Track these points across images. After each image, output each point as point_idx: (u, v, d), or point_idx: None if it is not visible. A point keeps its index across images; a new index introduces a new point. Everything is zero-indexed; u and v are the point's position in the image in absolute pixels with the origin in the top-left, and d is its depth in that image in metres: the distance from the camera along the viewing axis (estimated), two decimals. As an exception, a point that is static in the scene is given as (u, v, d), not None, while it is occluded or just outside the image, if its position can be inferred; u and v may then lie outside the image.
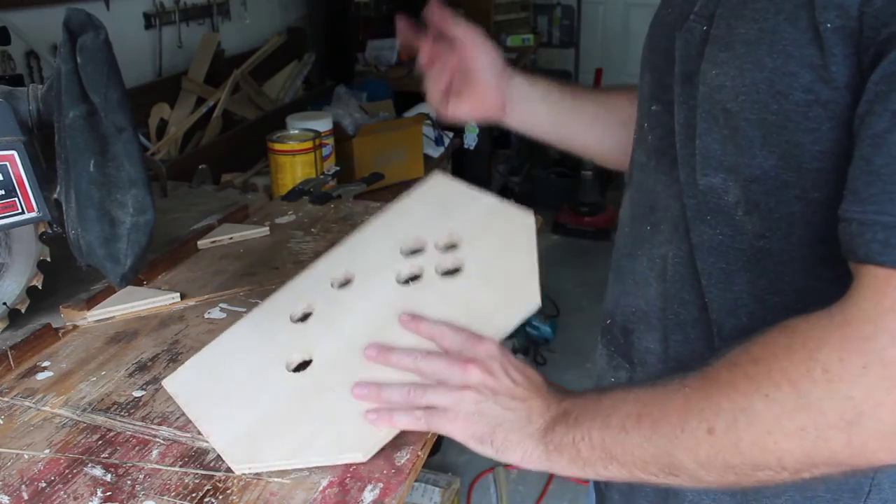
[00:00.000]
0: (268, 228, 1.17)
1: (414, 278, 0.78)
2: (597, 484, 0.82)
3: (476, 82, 0.82)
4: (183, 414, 0.73)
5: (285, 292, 0.82)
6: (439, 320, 0.69)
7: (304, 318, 0.78)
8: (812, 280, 0.57)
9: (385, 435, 0.65)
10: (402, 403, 0.65)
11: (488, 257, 0.78)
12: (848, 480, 0.59)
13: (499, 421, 0.61)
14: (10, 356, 0.81)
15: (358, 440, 0.65)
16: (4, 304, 0.86)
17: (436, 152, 2.42)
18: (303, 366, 0.73)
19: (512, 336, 2.74)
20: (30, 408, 0.74)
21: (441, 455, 2.12)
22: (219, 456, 0.67)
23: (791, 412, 0.46)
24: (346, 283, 0.81)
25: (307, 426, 0.67)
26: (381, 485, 0.63)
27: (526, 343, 2.78)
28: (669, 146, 0.65)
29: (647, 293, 0.70)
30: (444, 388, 0.64)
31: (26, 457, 0.67)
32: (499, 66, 0.83)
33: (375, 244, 0.83)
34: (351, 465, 0.66)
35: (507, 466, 2.08)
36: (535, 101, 0.86)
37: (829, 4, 0.49)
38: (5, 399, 0.76)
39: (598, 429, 0.56)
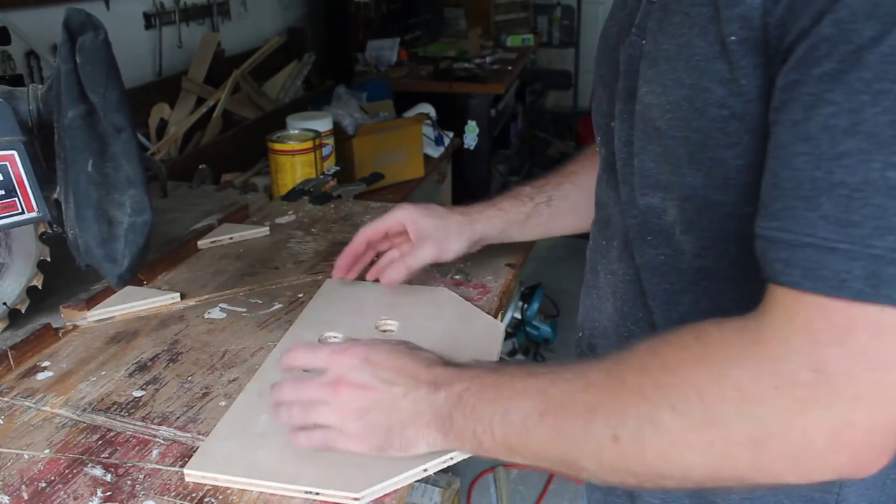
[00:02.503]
0: (268, 228, 1.17)
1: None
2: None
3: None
4: (183, 414, 0.73)
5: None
6: (300, 345, 0.68)
7: None
8: (754, 299, 0.56)
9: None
10: (295, 424, 0.64)
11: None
12: (813, 496, 0.58)
13: (389, 424, 0.60)
14: (10, 356, 0.81)
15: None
16: (4, 304, 0.86)
17: (436, 152, 2.42)
18: None
19: (512, 336, 2.74)
20: (30, 408, 0.74)
21: (441, 455, 2.12)
22: (218, 456, 0.67)
23: (699, 427, 0.45)
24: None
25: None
26: (380, 484, 0.63)
27: (526, 343, 2.78)
28: (614, 163, 0.65)
29: (606, 308, 0.70)
30: (326, 407, 0.62)
31: (26, 457, 0.67)
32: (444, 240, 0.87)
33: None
34: (351, 464, 0.65)
35: (506, 466, 2.08)
36: (515, 230, 0.90)
37: (732, 17, 0.48)
38: (5, 399, 0.76)
39: (499, 424, 0.54)
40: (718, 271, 0.56)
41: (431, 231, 0.86)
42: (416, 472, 0.62)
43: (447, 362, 0.62)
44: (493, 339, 0.83)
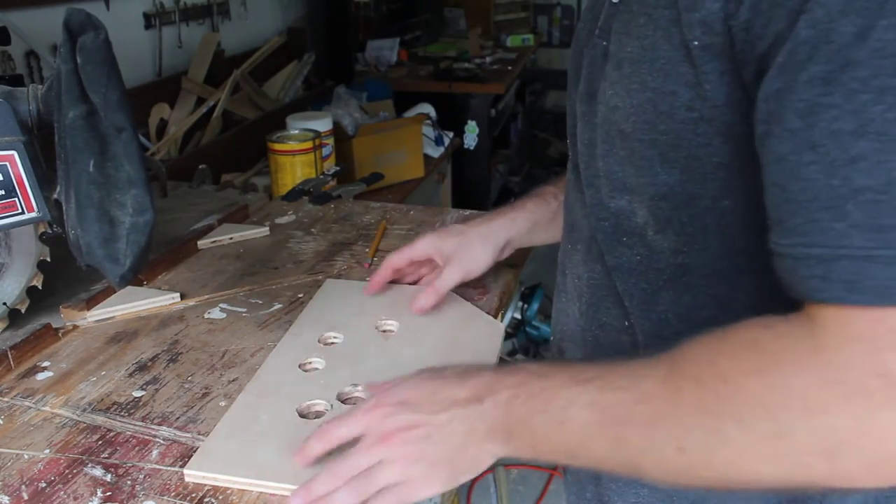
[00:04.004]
0: (268, 228, 1.17)
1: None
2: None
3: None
4: (183, 414, 0.73)
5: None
6: (326, 423, 0.63)
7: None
8: (735, 292, 0.55)
9: None
10: (356, 500, 0.58)
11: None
12: (796, 496, 0.57)
13: (449, 454, 0.57)
14: (10, 356, 0.81)
15: None
16: (4, 304, 0.86)
17: (436, 152, 2.42)
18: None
19: (512, 336, 2.74)
20: (30, 408, 0.74)
21: (441, 455, 2.12)
22: (219, 456, 0.67)
23: (767, 439, 0.43)
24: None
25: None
26: (380, 485, 0.63)
27: (526, 343, 2.78)
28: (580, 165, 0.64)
29: (572, 312, 0.70)
30: (383, 467, 0.57)
31: (26, 457, 0.67)
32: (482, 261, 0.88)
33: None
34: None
35: (506, 466, 2.08)
36: (536, 231, 0.89)
37: (693, 21, 0.47)
38: (5, 399, 0.76)
39: (556, 433, 0.53)
40: (699, 267, 0.56)
41: (455, 250, 0.86)
42: None
43: (479, 369, 0.60)
44: (492, 339, 0.83)
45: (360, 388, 0.74)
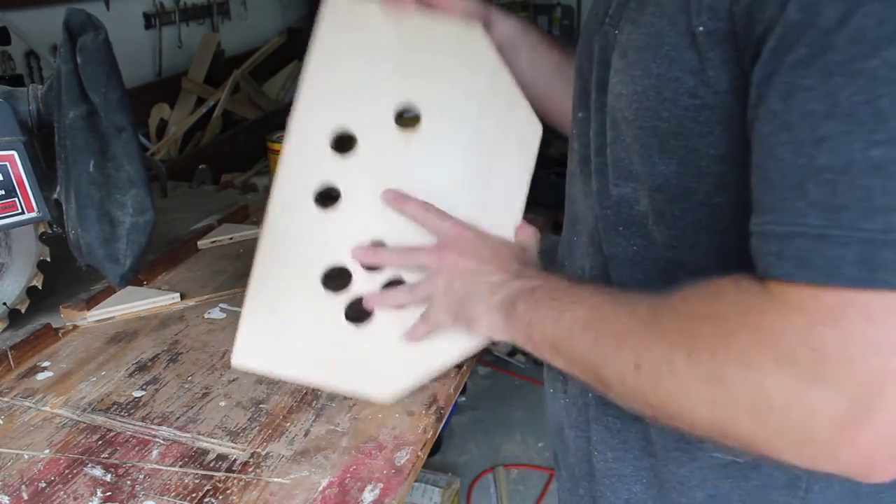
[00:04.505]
0: (268, 228, 1.17)
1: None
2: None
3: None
4: (183, 414, 0.73)
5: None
6: (422, 203, 0.70)
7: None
8: None
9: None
10: (400, 302, 0.69)
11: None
12: (777, 500, 0.58)
13: (465, 295, 0.65)
14: (10, 356, 0.81)
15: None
16: (4, 304, 0.86)
17: (436, 152, 2.41)
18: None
19: (512, 336, 2.74)
20: (30, 408, 0.74)
21: (441, 455, 2.12)
22: (219, 456, 0.67)
23: (707, 380, 0.45)
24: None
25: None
26: (381, 485, 0.63)
27: (526, 343, 2.77)
28: (588, 156, 0.64)
29: None
30: (429, 280, 0.68)
31: (26, 457, 0.67)
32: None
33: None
34: (350, 465, 0.66)
35: (506, 466, 2.08)
36: (524, 49, 0.79)
37: (701, 7, 0.47)
38: (5, 399, 0.76)
39: (551, 322, 0.57)
40: (689, 263, 0.56)
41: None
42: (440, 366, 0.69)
43: (537, 264, 0.69)
44: (527, 147, 0.74)
45: (386, 247, 0.69)
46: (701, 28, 0.48)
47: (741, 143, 0.48)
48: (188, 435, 0.70)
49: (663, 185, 0.55)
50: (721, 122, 0.49)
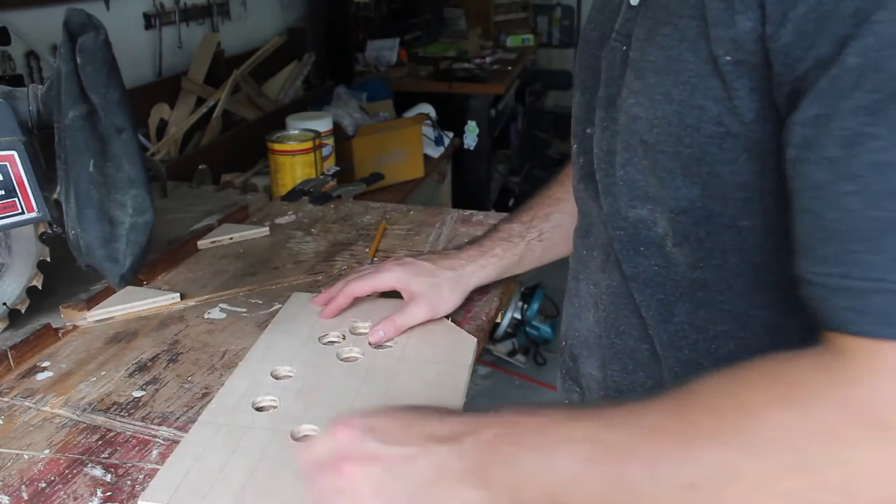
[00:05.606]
0: (268, 228, 1.17)
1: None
2: None
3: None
4: (183, 414, 0.73)
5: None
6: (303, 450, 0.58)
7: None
8: (752, 308, 0.55)
9: None
10: None
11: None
12: None
13: (408, 490, 0.51)
14: (10, 356, 0.81)
15: None
16: (4, 304, 0.86)
17: (436, 152, 2.42)
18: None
19: (512, 336, 2.74)
20: (30, 408, 0.74)
21: (441, 455, 2.12)
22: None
23: (786, 473, 0.42)
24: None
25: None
26: (380, 485, 0.63)
27: (526, 343, 2.78)
28: (593, 172, 0.63)
29: (587, 319, 0.69)
30: (338, 496, 0.52)
31: (26, 457, 0.67)
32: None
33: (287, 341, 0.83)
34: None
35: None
36: (504, 274, 0.89)
37: (722, 37, 0.46)
38: (5, 399, 0.76)
39: (545, 473, 0.47)
40: (715, 282, 0.56)
41: (424, 291, 0.83)
42: None
43: (464, 413, 0.56)
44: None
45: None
46: (728, 58, 0.47)
47: (767, 171, 0.48)
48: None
49: (687, 209, 0.54)
50: (746, 150, 0.49)
